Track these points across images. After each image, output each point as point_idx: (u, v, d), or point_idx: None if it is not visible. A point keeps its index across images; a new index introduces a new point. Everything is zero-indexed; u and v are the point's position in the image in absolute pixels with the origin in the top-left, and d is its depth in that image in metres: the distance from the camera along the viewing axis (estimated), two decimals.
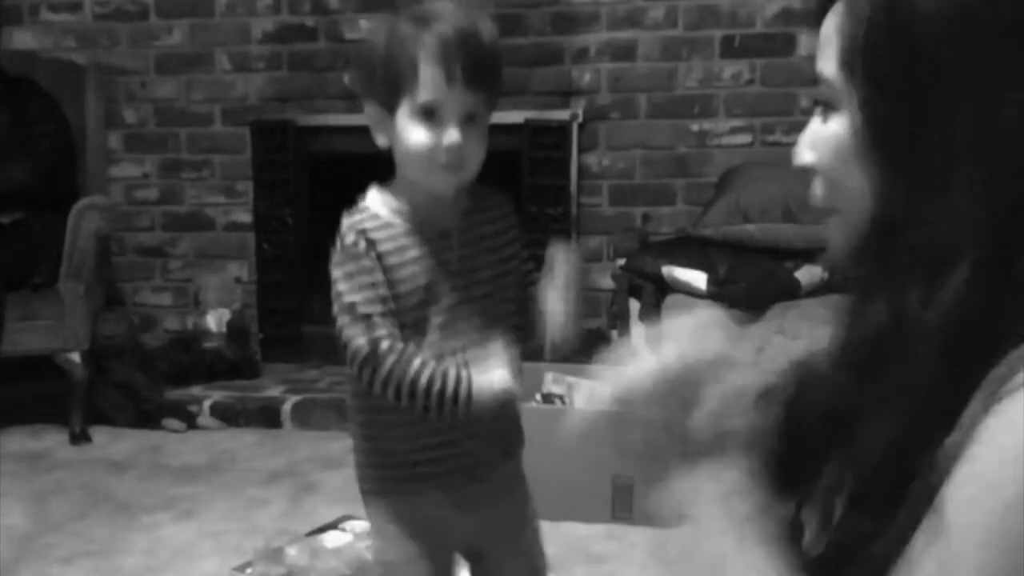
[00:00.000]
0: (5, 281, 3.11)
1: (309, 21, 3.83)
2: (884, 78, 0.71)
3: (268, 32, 3.87)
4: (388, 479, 1.41)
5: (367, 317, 1.30)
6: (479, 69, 1.28)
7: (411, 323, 1.33)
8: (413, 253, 1.33)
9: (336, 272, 1.33)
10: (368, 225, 1.33)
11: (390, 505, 1.41)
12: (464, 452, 1.38)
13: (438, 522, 1.41)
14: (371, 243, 1.31)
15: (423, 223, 1.34)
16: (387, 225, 1.34)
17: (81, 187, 3.53)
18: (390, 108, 1.31)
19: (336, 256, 1.33)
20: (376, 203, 1.36)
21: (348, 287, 1.31)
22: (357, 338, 1.30)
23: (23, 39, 3.99)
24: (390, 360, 1.29)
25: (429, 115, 1.28)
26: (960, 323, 0.69)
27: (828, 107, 0.77)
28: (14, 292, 3.15)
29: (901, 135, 0.71)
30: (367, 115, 1.35)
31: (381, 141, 1.35)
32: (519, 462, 1.48)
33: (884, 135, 0.72)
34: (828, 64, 0.76)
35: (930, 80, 0.69)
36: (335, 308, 1.33)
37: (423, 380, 1.29)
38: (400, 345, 1.30)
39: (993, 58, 0.68)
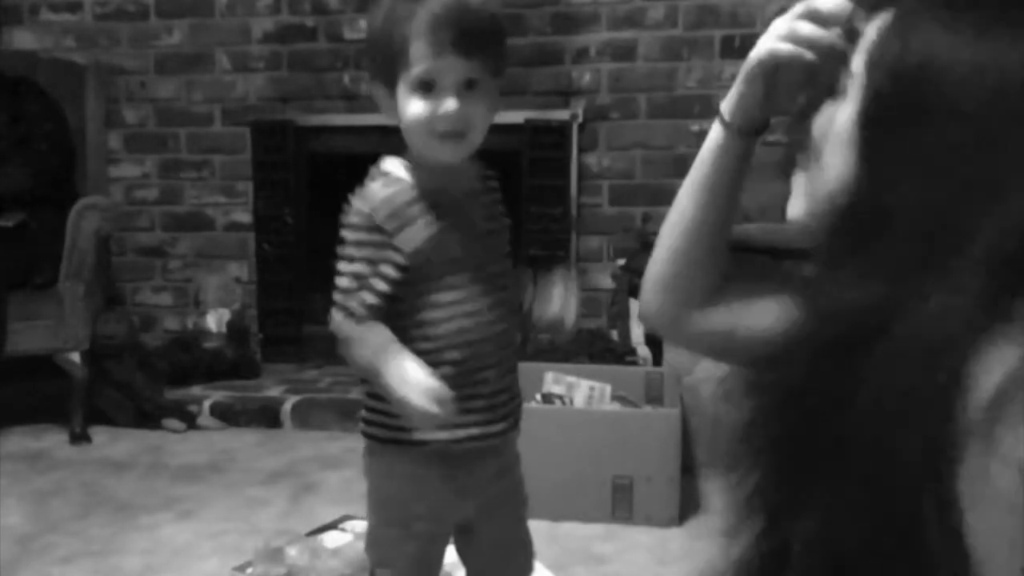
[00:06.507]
0: (6, 282, 3.11)
1: (309, 21, 3.83)
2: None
3: (268, 32, 3.87)
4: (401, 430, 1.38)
5: (349, 292, 1.33)
6: (470, 35, 1.29)
7: (426, 289, 1.34)
8: (430, 218, 1.34)
9: (348, 236, 1.34)
10: (389, 191, 1.34)
11: (395, 457, 1.41)
12: (483, 408, 1.39)
13: (440, 494, 1.41)
14: (381, 212, 1.32)
15: (438, 191, 1.35)
16: (407, 188, 1.35)
17: (81, 187, 3.53)
18: (391, 86, 1.33)
19: (349, 220, 1.34)
20: (395, 167, 1.37)
21: (350, 254, 1.34)
22: (337, 310, 1.33)
23: (23, 39, 3.99)
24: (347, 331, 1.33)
25: (427, 88, 1.30)
26: (955, 319, 0.63)
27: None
28: (15, 292, 3.15)
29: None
30: (375, 95, 1.37)
31: (390, 119, 1.36)
32: (516, 440, 1.48)
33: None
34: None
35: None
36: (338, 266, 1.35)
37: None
38: (367, 316, 1.32)
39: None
